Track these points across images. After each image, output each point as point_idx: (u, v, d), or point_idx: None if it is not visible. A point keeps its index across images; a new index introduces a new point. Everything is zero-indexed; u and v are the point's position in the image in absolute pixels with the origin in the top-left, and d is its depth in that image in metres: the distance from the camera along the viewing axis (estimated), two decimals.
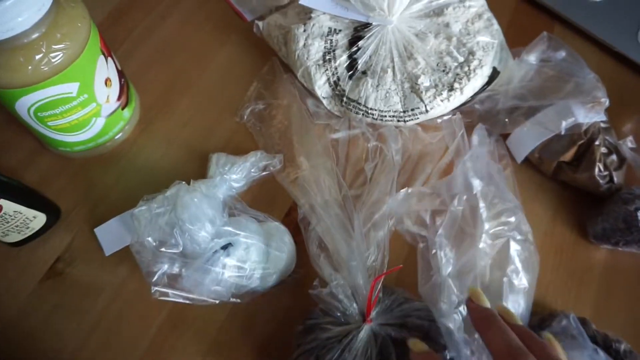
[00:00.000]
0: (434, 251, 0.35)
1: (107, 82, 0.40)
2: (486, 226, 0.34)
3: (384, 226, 0.37)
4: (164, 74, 0.49)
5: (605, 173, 0.40)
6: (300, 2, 0.45)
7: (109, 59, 0.40)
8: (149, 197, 0.37)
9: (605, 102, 0.38)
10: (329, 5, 0.45)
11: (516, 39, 0.51)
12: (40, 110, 0.37)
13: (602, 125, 0.41)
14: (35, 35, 0.33)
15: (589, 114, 0.39)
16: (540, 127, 0.40)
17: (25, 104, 0.36)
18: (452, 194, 0.36)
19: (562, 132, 0.39)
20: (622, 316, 0.38)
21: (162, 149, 0.45)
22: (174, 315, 0.38)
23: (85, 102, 0.39)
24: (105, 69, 0.39)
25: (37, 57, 0.34)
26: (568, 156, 0.41)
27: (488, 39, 0.43)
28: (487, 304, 0.30)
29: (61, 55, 0.35)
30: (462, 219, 0.35)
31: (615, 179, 0.40)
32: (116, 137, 0.45)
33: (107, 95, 0.41)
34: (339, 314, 0.33)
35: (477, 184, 0.36)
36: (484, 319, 0.29)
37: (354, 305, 0.33)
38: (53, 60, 0.34)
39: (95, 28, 0.39)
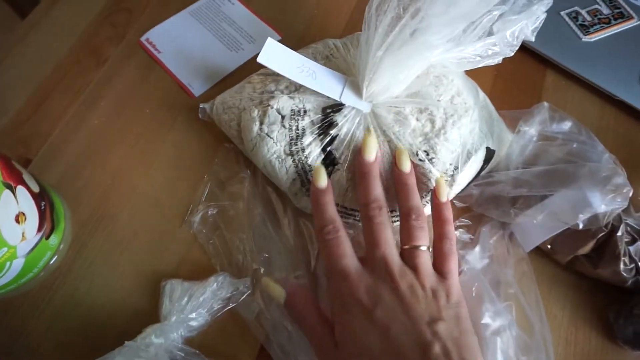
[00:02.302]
0: None
1: (19, 218, 0.32)
2: None
3: None
4: (99, 177, 0.41)
5: (631, 266, 0.34)
6: (258, 59, 0.36)
7: (19, 187, 0.32)
8: None
9: (629, 191, 0.32)
10: (294, 70, 0.36)
11: (508, 91, 0.46)
12: None
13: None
14: None
15: (610, 204, 0.32)
16: (552, 219, 0.34)
17: None
18: None
19: (580, 226, 0.33)
20: None
21: (104, 276, 0.37)
22: None
23: None
24: (14, 205, 0.31)
25: None
26: (586, 250, 0.35)
27: (470, 122, 0.36)
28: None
29: None
30: None
31: None
32: (49, 263, 0.37)
33: (21, 232, 0.32)
34: None
35: None
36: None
37: None
38: None
39: None
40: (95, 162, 0.42)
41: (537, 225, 0.35)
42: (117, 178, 0.41)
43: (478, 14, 0.30)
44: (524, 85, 0.46)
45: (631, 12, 0.47)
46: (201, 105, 0.41)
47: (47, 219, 0.35)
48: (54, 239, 0.36)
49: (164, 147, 0.42)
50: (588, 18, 0.47)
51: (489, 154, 0.36)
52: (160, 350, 0.30)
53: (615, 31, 0.46)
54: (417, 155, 0.35)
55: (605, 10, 0.48)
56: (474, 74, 0.40)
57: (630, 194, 0.32)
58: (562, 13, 0.48)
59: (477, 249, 0.35)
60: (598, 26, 0.47)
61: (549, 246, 0.36)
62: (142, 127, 0.43)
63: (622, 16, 0.47)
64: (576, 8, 0.48)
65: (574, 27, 0.47)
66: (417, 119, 0.35)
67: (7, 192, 0.31)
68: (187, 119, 0.44)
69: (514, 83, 0.46)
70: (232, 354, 0.34)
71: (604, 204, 0.32)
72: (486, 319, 0.33)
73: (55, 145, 0.42)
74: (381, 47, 0.31)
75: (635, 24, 0.47)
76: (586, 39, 0.46)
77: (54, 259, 0.37)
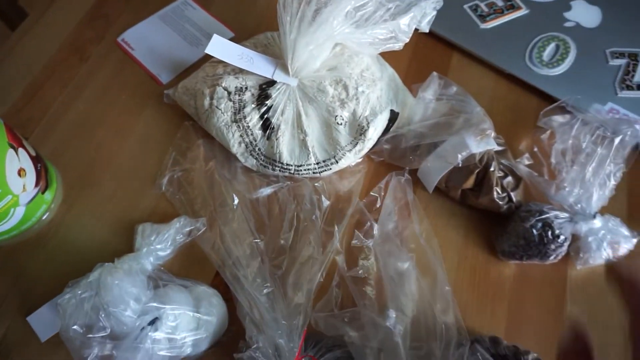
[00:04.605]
0: None
1: (21, 172, 0.41)
2: None
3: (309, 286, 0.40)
4: (84, 149, 0.50)
5: (504, 195, 0.44)
6: (205, 51, 0.46)
7: (20, 149, 0.41)
8: (74, 282, 0.38)
9: (491, 133, 0.42)
10: (235, 57, 0.46)
11: (420, 70, 0.55)
12: None
13: (498, 148, 0.45)
14: None
15: (480, 144, 0.42)
16: (441, 161, 0.44)
17: None
18: None
19: (460, 164, 0.43)
20: (532, 327, 0.42)
21: (89, 226, 0.46)
22: None
23: None
24: (17, 161, 0.40)
25: None
26: (469, 184, 0.44)
27: (377, 90, 0.46)
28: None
29: None
30: None
31: (513, 198, 0.44)
32: (42, 218, 0.45)
33: (22, 184, 0.41)
34: None
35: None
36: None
37: None
38: None
39: (1, 123, 0.39)
40: (81, 138, 0.51)
41: (432, 168, 0.45)
42: (99, 150, 0.50)
43: None
44: (434, 66, 0.56)
45: (520, 3, 0.58)
46: (165, 92, 0.50)
47: (42, 178, 0.44)
48: (48, 195, 0.45)
49: (138, 126, 0.52)
50: (485, 9, 0.58)
51: (394, 115, 0.46)
52: (132, 268, 0.39)
53: (507, 19, 0.57)
54: (336, 119, 0.45)
55: (500, 3, 0.58)
56: (393, 58, 0.50)
57: (492, 135, 0.42)
58: (464, 6, 0.58)
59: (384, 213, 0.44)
60: (493, 15, 0.57)
61: (444, 185, 0.46)
62: (120, 110, 0.53)
63: (512, 7, 0.57)
64: (476, 2, 0.58)
65: (474, 17, 0.57)
66: (335, 89, 0.45)
67: (12, 150, 0.40)
68: (156, 102, 0.53)
69: (425, 64, 0.56)
70: (193, 277, 0.42)
71: (475, 144, 0.42)
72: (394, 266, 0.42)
73: (48, 126, 0.51)
74: (292, 32, 0.41)
75: (523, 13, 0.57)
76: (484, 26, 0.57)
77: (47, 214, 0.46)
